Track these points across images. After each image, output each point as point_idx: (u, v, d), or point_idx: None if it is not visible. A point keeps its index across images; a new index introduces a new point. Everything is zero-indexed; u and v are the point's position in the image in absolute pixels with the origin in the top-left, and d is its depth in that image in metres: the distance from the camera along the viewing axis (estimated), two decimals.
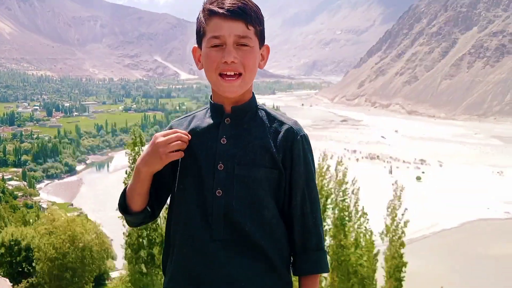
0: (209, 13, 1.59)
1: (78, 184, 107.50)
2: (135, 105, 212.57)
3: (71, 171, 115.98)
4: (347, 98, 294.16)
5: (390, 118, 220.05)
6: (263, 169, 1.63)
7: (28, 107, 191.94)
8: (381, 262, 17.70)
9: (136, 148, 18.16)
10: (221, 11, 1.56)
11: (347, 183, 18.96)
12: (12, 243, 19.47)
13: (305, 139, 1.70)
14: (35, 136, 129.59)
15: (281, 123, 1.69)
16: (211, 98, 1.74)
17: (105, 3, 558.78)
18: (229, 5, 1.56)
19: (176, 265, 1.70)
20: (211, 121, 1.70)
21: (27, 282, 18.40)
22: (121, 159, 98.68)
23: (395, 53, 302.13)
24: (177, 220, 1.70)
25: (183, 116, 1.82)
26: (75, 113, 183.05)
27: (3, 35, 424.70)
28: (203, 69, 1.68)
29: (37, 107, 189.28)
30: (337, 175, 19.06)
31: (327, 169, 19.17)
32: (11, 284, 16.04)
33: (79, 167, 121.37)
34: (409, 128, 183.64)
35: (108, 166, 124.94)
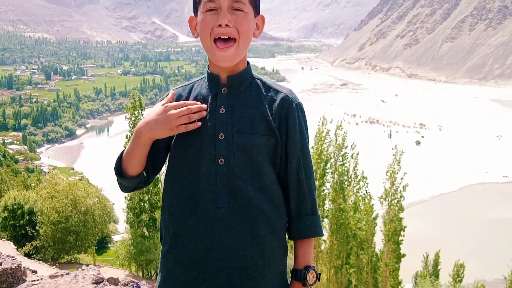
0: None
1: (78, 148, 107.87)
2: (133, 69, 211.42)
3: (71, 135, 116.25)
4: (347, 62, 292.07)
5: (390, 82, 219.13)
6: (261, 136, 1.67)
7: (26, 70, 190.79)
8: (379, 226, 18.00)
9: (136, 112, 18.22)
10: None
11: (346, 147, 19.09)
12: (15, 206, 19.61)
13: (299, 107, 1.74)
14: (34, 99, 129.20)
15: (277, 91, 1.73)
16: (208, 67, 1.77)
17: None
18: None
19: (177, 236, 1.72)
20: (209, 92, 1.73)
21: (31, 245, 18.65)
22: (121, 123, 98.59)
23: (396, 15, 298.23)
24: (177, 192, 1.72)
25: (182, 85, 1.84)
26: (74, 77, 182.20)
27: None
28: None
29: (35, 70, 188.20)
30: (336, 140, 19.17)
31: (327, 133, 19.27)
32: (15, 247, 16.27)
33: (79, 131, 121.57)
34: (409, 92, 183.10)
35: (108, 130, 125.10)
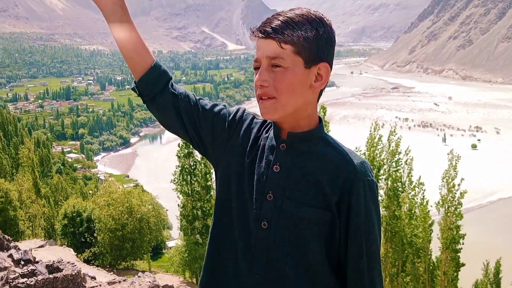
0: (253, 36, 1.50)
1: (133, 156, 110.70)
2: (184, 77, 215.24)
3: (125, 143, 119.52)
4: (398, 65, 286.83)
5: (443, 85, 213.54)
6: (313, 209, 1.46)
7: (83, 81, 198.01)
8: (436, 233, 17.47)
9: None
10: (256, 33, 1.46)
11: (400, 153, 18.70)
12: (74, 214, 20.36)
13: (369, 186, 1.47)
14: (90, 109, 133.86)
15: (345, 160, 1.48)
16: None
17: None
18: (266, 24, 1.45)
19: (205, 285, 1.61)
20: (269, 143, 1.55)
21: (90, 251, 19.27)
22: None
23: (448, 16, 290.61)
24: (216, 243, 1.59)
25: (253, 114, 1.66)
26: (127, 86, 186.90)
27: (56, 11, 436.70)
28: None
29: (91, 81, 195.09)
30: (390, 146, 18.82)
31: (379, 139, 18.96)
32: (75, 253, 16.84)
33: (133, 140, 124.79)
34: (463, 94, 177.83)
35: (161, 138, 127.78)
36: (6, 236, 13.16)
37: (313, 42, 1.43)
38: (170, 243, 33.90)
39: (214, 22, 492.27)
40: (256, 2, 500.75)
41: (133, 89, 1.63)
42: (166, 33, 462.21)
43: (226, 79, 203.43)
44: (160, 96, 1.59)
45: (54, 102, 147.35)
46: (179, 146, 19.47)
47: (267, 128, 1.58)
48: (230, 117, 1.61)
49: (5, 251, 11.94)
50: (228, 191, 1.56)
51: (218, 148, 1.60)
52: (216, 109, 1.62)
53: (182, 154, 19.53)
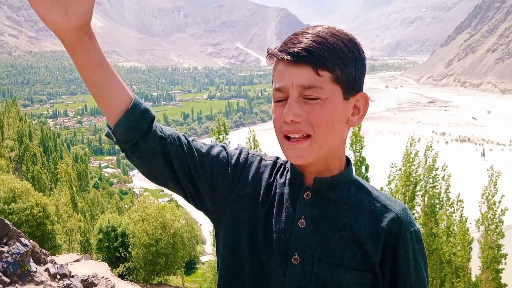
0: (272, 58, 1.21)
1: None
2: (218, 93, 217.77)
3: None
4: (434, 79, 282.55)
5: (481, 98, 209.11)
6: (352, 271, 1.19)
7: None
8: (476, 251, 16.89)
9: (220, 136, 18.59)
10: (281, 55, 1.16)
11: (437, 169, 18.22)
12: (109, 229, 20.62)
13: (416, 237, 1.22)
14: None
15: (384, 208, 1.23)
16: None
17: None
18: (295, 45, 1.16)
19: None
20: (287, 191, 1.26)
21: (124, 266, 19.42)
22: None
23: (486, 28, 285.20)
24: None
25: (259, 155, 1.36)
26: (163, 102, 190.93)
27: (95, 29, 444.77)
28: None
29: None
30: (426, 161, 18.37)
31: (416, 154, 18.54)
32: (110, 268, 16.98)
33: None
34: (503, 108, 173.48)
35: None
36: (43, 250, 13.38)
37: (351, 67, 1.18)
38: (203, 258, 33.98)
39: (248, 38, 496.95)
40: (290, 18, 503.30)
41: (107, 135, 1.26)
42: (201, 49, 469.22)
43: (260, 94, 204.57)
44: (143, 141, 1.23)
45: (92, 118, 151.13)
46: None
47: (280, 172, 1.31)
48: (234, 160, 1.31)
49: (42, 265, 12.14)
50: (237, 252, 1.26)
51: (219, 199, 1.30)
52: (214, 151, 1.31)
53: None
